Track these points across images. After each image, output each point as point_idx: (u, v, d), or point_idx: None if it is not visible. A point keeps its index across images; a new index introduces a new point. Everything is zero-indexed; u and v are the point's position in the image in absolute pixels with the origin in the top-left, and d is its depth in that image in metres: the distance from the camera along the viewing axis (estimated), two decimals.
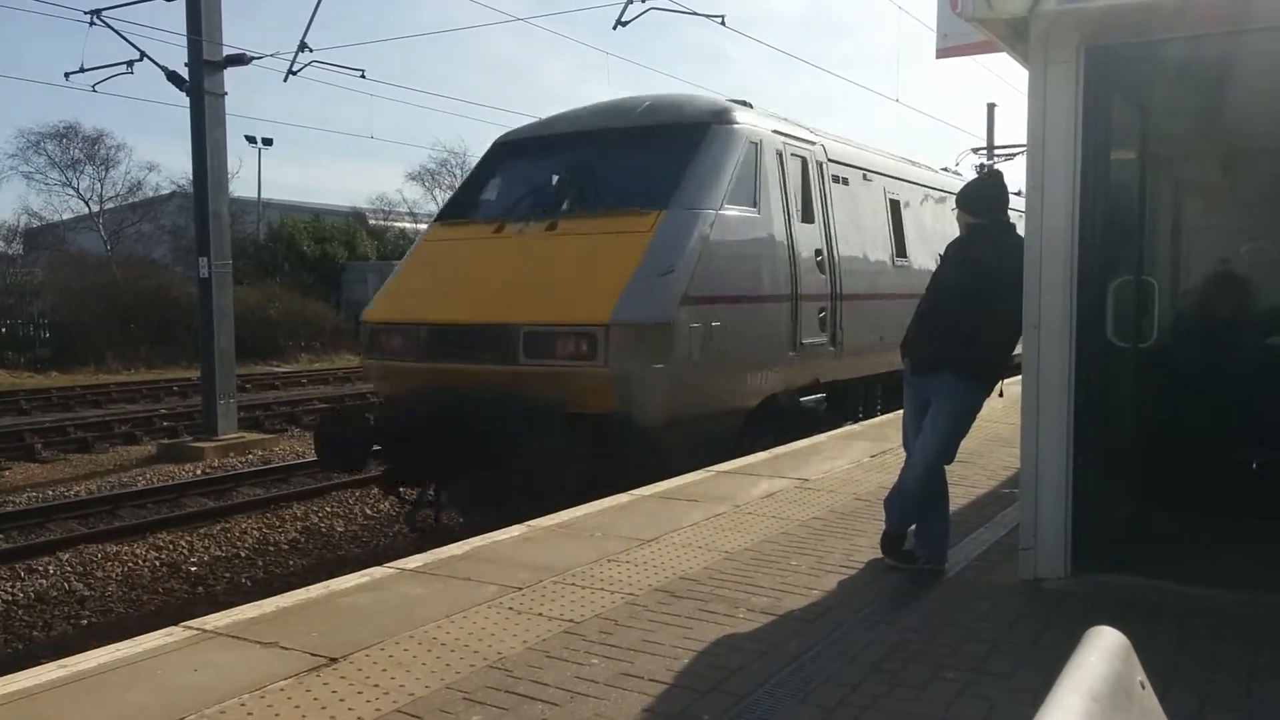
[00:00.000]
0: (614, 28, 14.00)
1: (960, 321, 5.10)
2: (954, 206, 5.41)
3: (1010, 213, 5.49)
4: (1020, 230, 5.21)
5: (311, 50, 16.11)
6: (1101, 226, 5.02)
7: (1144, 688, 1.70)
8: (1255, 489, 5.87)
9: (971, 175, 17.13)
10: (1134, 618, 4.16)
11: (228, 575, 9.13)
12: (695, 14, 14.35)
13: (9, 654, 7.17)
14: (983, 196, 5.37)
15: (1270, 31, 4.70)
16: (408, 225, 47.05)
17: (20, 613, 8.12)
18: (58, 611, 8.13)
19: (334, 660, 3.89)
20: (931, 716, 3.49)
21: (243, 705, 3.48)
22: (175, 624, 4.25)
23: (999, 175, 5.91)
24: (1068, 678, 1.54)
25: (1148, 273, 5.69)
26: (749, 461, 8.31)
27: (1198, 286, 6.95)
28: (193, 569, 9.28)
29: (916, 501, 5.27)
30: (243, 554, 9.69)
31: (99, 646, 4.08)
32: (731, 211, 9.16)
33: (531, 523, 6.09)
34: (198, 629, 4.19)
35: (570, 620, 4.40)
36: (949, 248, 5.63)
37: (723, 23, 14.18)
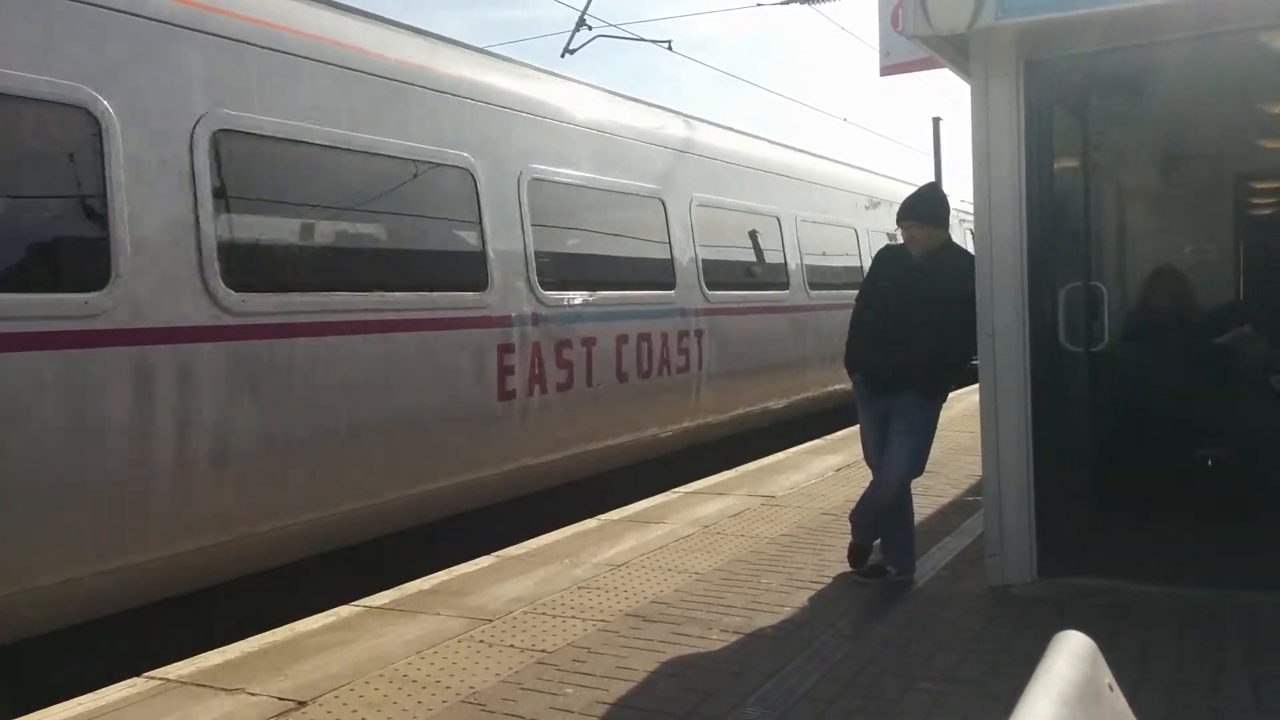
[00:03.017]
0: (562, 55, 14.04)
1: (928, 340, 5.06)
2: (905, 221, 5.31)
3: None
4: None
5: None
6: (1049, 234, 5.12)
7: (1112, 690, 1.72)
8: (1210, 486, 5.98)
9: None
10: (1101, 620, 4.21)
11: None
12: (642, 40, 14.47)
13: None
14: (941, 208, 5.29)
15: (1196, 40, 4.84)
16: None
17: None
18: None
19: (303, 704, 3.83)
20: None
21: None
22: (138, 674, 4.16)
23: (939, 185, 5.93)
24: (1037, 683, 1.56)
25: (1096, 278, 5.79)
26: (715, 481, 8.32)
27: (1145, 289, 7.08)
28: None
29: (889, 516, 5.29)
30: None
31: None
32: None
33: (500, 552, 6.05)
34: (161, 679, 4.11)
35: (543, 650, 4.37)
36: (890, 259, 5.47)
37: (669, 48, 14.30)
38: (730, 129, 11.25)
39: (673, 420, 8.97)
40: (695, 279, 9.33)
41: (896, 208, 5.45)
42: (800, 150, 12.89)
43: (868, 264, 5.73)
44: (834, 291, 11.83)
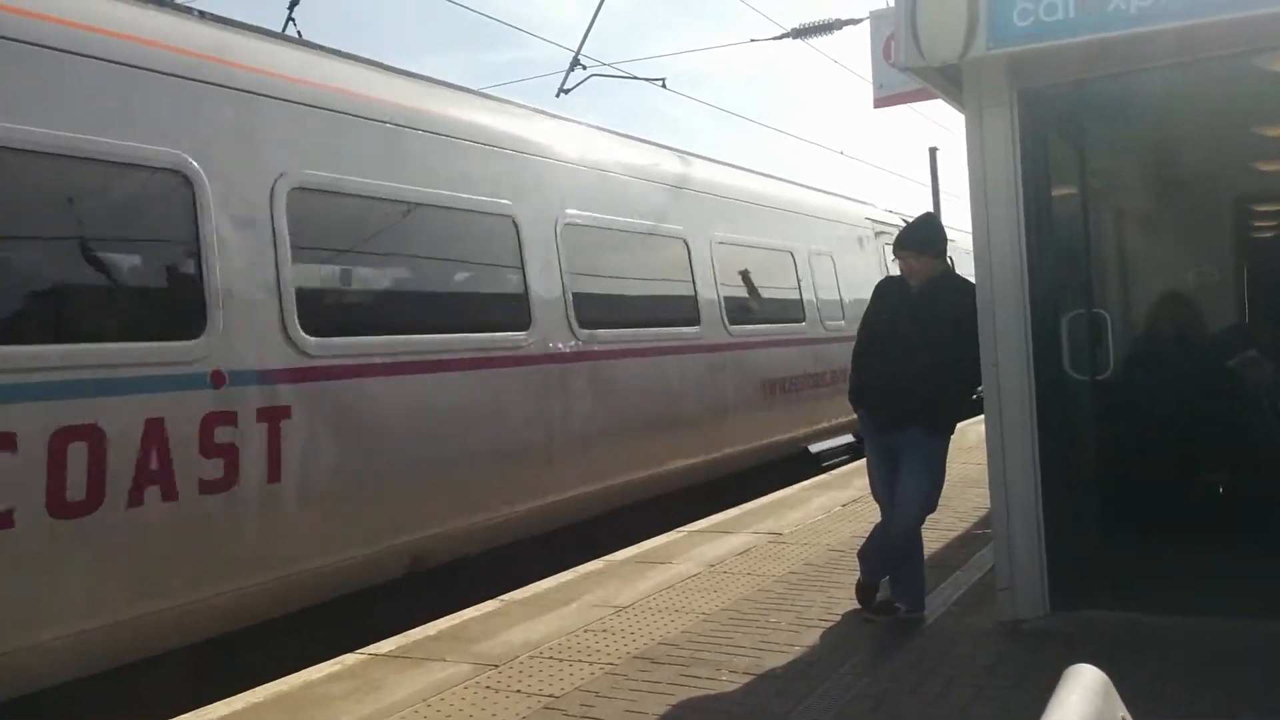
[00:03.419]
0: (557, 95, 14.13)
1: (931, 372, 5.02)
2: (903, 251, 5.29)
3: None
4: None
5: None
6: (1050, 262, 5.10)
7: None
8: (1221, 513, 5.91)
9: None
10: (1114, 652, 4.13)
11: None
12: (636, 78, 14.56)
13: None
14: (938, 237, 5.26)
15: (1186, 65, 4.85)
16: None
17: None
18: None
19: None
20: None
21: None
22: None
23: (935, 215, 5.92)
24: (1049, 718, 1.52)
25: (1098, 305, 5.77)
26: (721, 519, 8.25)
27: (1149, 315, 7.05)
28: None
29: (899, 554, 5.23)
30: None
31: None
32: None
33: (504, 596, 5.99)
34: None
35: (550, 695, 4.30)
36: (889, 291, 5.42)
37: (664, 85, 14.38)
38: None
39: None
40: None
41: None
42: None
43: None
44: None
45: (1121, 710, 1.70)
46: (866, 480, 5.66)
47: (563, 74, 14.01)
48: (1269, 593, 4.76)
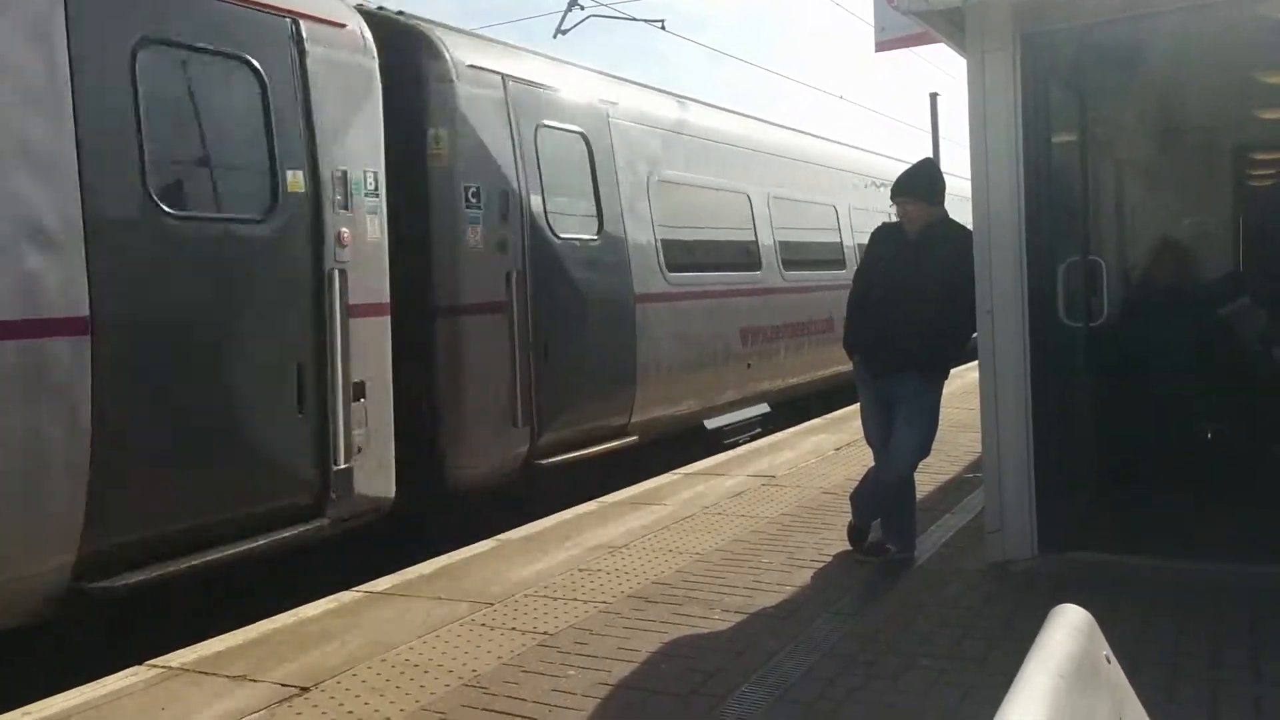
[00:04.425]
0: (554, 36, 13.97)
1: (926, 319, 5.03)
2: (899, 196, 5.27)
3: None
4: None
5: None
6: (1047, 209, 5.09)
7: (1110, 662, 1.72)
8: (1211, 460, 5.97)
9: None
10: (1101, 594, 4.21)
11: None
12: (635, 19, 14.38)
13: None
14: (936, 184, 5.24)
15: (1192, 11, 4.80)
16: None
17: None
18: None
19: (305, 690, 3.83)
20: (908, 706, 3.51)
21: None
22: (139, 663, 4.16)
23: (934, 160, 5.88)
24: (1034, 657, 1.55)
25: (1095, 252, 5.77)
26: (714, 461, 8.32)
27: (1144, 263, 7.05)
28: None
29: (893, 497, 5.28)
30: None
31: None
32: None
33: (500, 536, 6.05)
34: (163, 666, 4.11)
35: (544, 633, 4.37)
36: (885, 238, 5.41)
37: (663, 27, 14.24)
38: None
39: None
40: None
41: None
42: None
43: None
44: None
45: (1105, 649, 1.74)
46: (859, 424, 5.71)
47: (560, 14, 13.83)
48: (1256, 537, 4.84)
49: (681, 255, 9.27)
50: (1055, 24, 4.94)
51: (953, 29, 5.10)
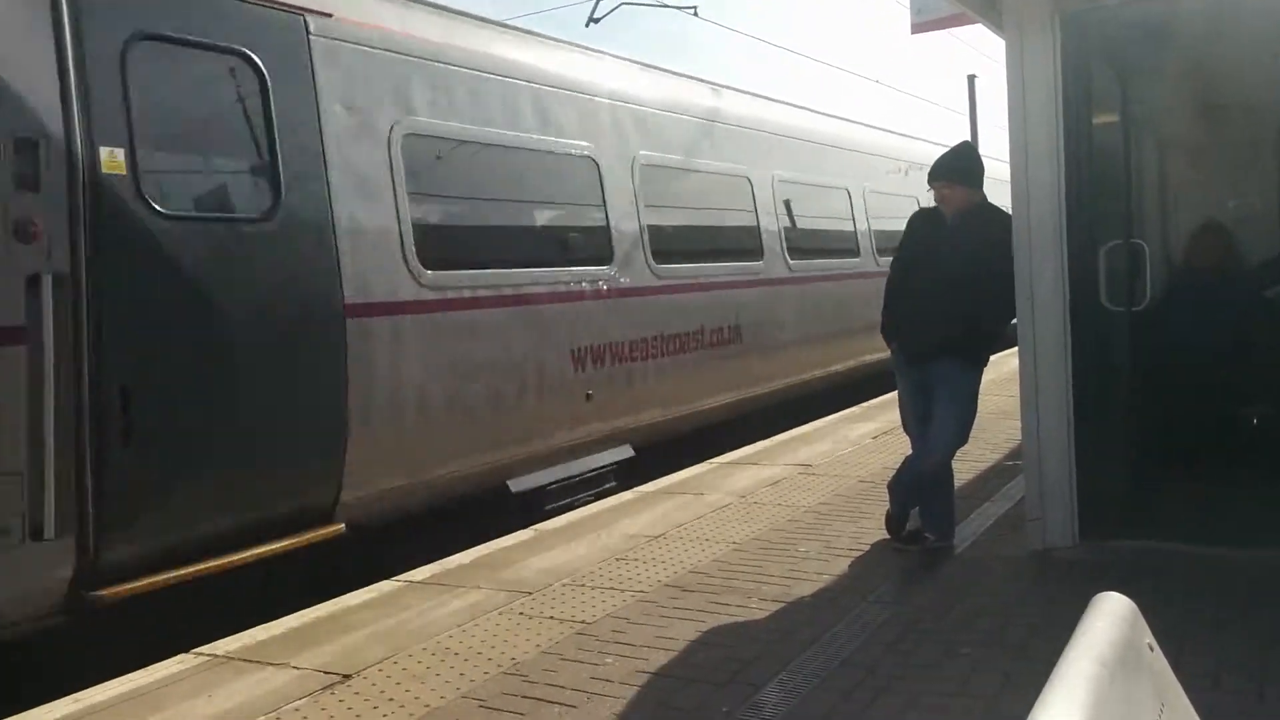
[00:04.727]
0: (586, 25, 13.92)
1: (965, 305, 4.97)
2: (937, 181, 5.21)
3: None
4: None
5: None
6: (1088, 192, 5.02)
7: (1153, 650, 1.70)
8: (1255, 445, 5.87)
9: None
10: (1144, 581, 4.16)
11: None
12: (667, 5, 14.30)
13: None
14: (975, 167, 5.18)
15: None
16: None
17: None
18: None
19: (347, 677, 3.88)
20: (948, 693, 3.48)
21: None
22: (186, 650, 4.24)
23: (972, 143, 5.79)
24: (1075, 645, 1.53)
25: (1137, 235, 5.69)
26: (750, 451, 8.30)
27: (1187, 245, 6.93)
28: None
29: (930, 485, 5.24)
30: None
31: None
32: None
33: (537, 526, 6.09)
34: (209, 654, 4.18)
35: (582, 621, 4.39)
36: (923, 222, 5.36)
37: (695, 13, 14.13)
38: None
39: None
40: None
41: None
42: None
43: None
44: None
45: (1148, 637, 1.71)
46: (897, 412, 5.67)
47: (592, 2, 13.79)
48: None
49: (453, 244, 6.51)
50: (1097, 1, 4.86)
51: (990, 9, 5.04)
